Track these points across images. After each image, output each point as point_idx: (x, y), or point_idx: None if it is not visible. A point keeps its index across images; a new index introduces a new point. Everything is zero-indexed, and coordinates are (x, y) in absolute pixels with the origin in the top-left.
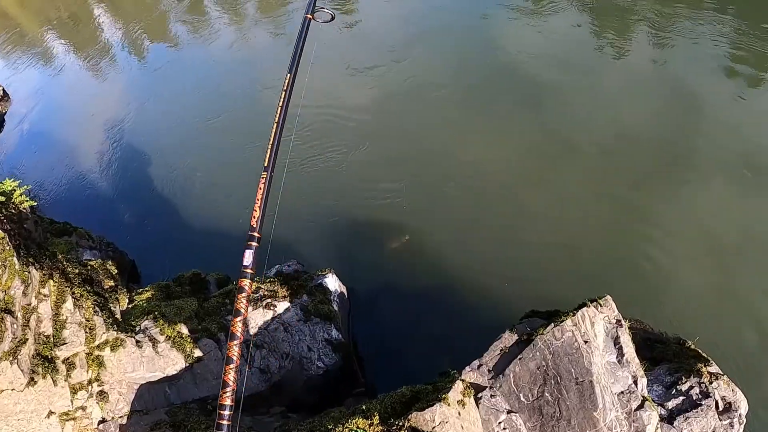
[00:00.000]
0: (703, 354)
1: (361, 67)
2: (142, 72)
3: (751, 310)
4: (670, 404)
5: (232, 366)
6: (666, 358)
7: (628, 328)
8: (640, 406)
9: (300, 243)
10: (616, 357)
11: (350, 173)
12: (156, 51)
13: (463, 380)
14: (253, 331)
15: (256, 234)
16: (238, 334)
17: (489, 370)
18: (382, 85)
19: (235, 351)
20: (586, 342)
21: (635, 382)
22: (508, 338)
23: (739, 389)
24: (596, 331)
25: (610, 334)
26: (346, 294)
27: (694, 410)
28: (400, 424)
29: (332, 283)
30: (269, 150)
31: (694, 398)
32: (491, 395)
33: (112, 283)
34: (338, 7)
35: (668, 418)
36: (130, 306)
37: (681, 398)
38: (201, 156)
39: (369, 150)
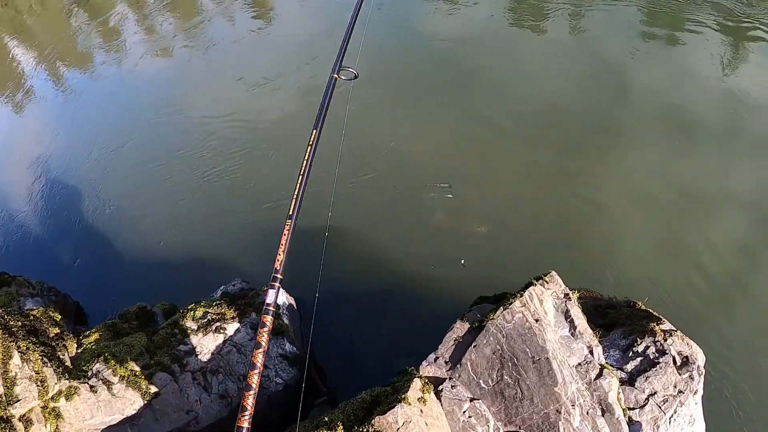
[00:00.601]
0: (654, 313)
1: (270, 75)
2: (58, 100)
3: (694, 263)
4: (629, 366)
5: (251, 392)
6: (619, 322)
7: (578, 299)
8: (599, 375)
9: (242, 259)
10: (569, 330)
11: (276, 180)
12: (70, 77)
13: (420, 376)
14: (206, 357)
15: (279, 276)
16: (258, 365)
17: (446, 362)
18: (294, 88)
19: (254, 379)
20: (537, 320)
21: (591, 352)
22: (460, 327)
23: (694, 342)
24: (546, 308)
25: (559, 309)
26: (294, 305)
27: (653, 369)
28: (365, 430)
29: (280, 296)
30: (293, 200)
31: (651, 357)
32: (452, 386)
33: (57, 330)
34: (251, 11)
35: (629, 381)
36: (79, 351)
37: (639, 359)
38: (125, 183)
39: (285, 155)
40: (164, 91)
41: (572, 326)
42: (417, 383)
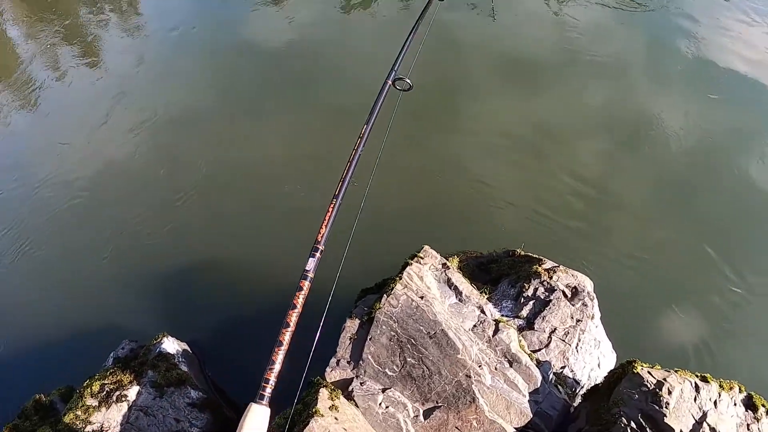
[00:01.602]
0: (534, 255)
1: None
2: None
3: (558, 196)
4: (524, 312)
5: (281, 348)
6: (504, 273)
7: (458, 263)
8: (496, 330)
9: (122, 319)
10: (456, 297)
11: (135, 226)
12: None
13: (326, 385)
14: (116, 430)
15: (320, 247)
16: (291, 324)
17: (348, 362)
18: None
19: (286, 337)
20: (422, 297)
21: (482, 311)
22: (351, 325)
23: (578, 272)
24: (428, 283)
25: (441, 280)
26: (189, 349)
27: (547, 307)
28: None
29: (170, 345)
30: (339, 182)
31: (543, 297)
32: (360, 383)
33: None
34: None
35: (528, 325)
36: None
37: (531, 303)
38: None
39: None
40: None
41: (457, 292)
42: (323, 393)
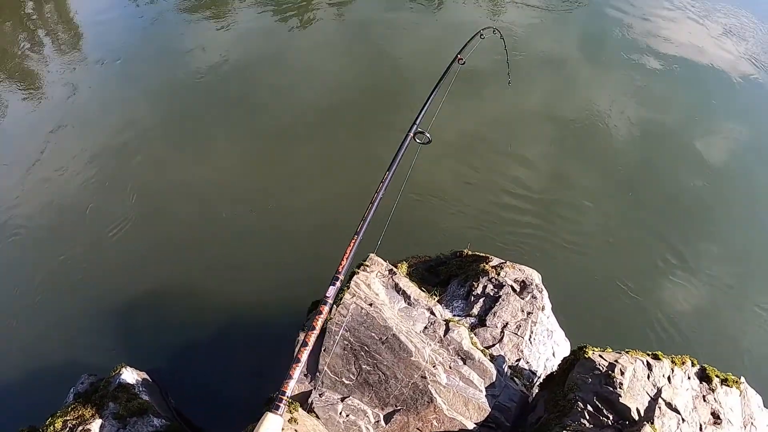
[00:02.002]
0: (480, 253)
1: None
2: None
3: (501, 195)
4: (475, 310)
5: (299, 365)
6: (453, 274)
7: (407, 269)
8: (447, 329)
9: (80, 352)
10: (405, 301)
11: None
12: None
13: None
14: None
15: (340, 276)
16: (310, 344)
17: (305, 375)
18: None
19: (304, 356)
20: (371, 305)
21: (432, 312)
22: (305, 339)
23: (525, 266)
24: (376, 290)
25: (388, 285)
26: (149, 378)
27: (497, 303)
28: None
29: (130, 376)
30: (361, 222)
31: (492, 294)
32: (319, 395)
33: None
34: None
35: (479, 323)
36: None
37: (481, 300)
38: None
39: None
40: None
41: (406, 297)
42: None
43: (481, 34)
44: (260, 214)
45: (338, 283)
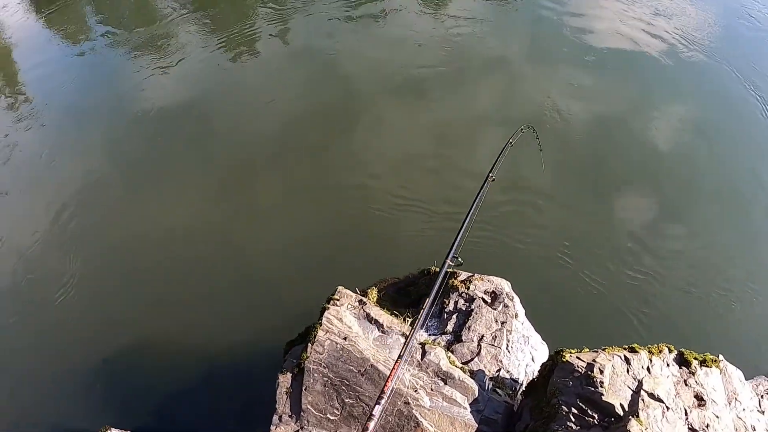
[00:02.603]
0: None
1: None
2: None
3: (460, 207)
4: (450, 326)
5: None
6: (423, 293)
7: (377, 294)
8: (423, 353)
9: (65, 418)
10: (378, 330)
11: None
12: None
13: None
14: None
15: (385, 397)
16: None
17: (290, 416)
18: None
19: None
20: (345, 338)
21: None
22: (285, 380)
23: (493, 276)
24: (348, 323)
25: (360, 316)
26: None
27: (470, 317)
28: None
29: None
30: (404, 347)
31: (464, 309)
32: None
33: None
34: None
35: (456, 339)
36: None
37: (454, 316)
38: None
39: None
40: None
41: (378, 325)
42: None
43: (511, 143)
44: (223, 257)
45: (384, 402)
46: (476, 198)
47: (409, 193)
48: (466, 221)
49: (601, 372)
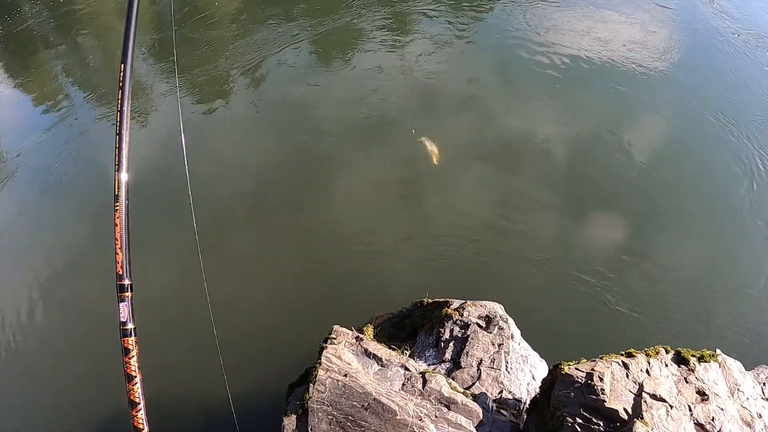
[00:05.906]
0: (440, 299)
1: None
2: None
3: (445, 236)
4: (448, 354)
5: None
6: (418, 325)
7: (373, 331)
8: (424, 381)
9: None
10: (378, 364)
11: None
12: None
13: None
14: None
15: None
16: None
17: None
18: None
19: None
20: (345, 375)
21: (406, 368)
22: (289, 423)
23: (486, 301)
24: (347, 360)
25: (358, 352)
26: None
27: (467, 343)
28: None
29: None
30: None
31: (460, 335)
32: None
33: None
34: None
35: (455, 366)
36: None
37: (451, 344)
38: None
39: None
40: None
41: (377, 359)
42: None
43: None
44: (215, 314)
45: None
46: None
47: (388, 231)
48: None
49: (601, 379)
